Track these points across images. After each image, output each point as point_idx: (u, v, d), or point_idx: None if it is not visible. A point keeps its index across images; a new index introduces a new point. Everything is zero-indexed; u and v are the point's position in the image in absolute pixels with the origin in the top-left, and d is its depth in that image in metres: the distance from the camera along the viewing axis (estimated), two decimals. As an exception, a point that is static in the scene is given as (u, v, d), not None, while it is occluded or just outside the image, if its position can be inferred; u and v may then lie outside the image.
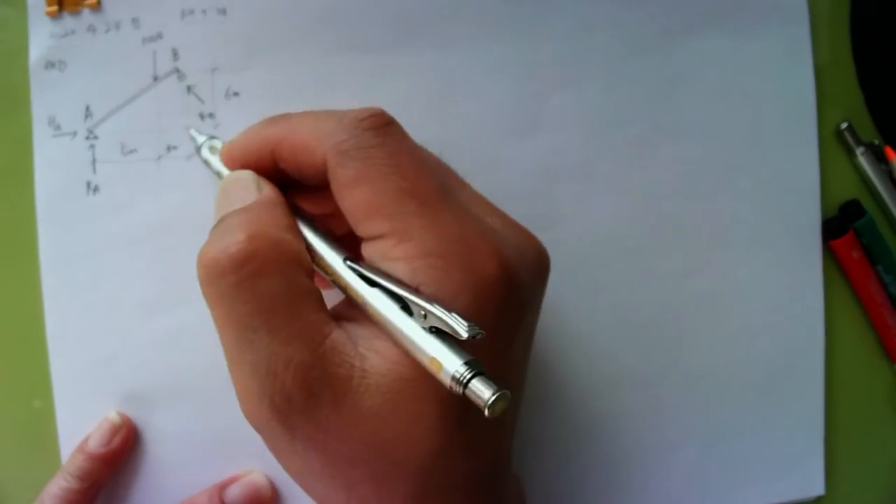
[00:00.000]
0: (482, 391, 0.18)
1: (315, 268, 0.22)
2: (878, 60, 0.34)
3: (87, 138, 0.30)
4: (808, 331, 0.34)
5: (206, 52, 0.30)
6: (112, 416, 0.30)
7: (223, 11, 0.30)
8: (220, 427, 0.30)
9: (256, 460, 0.31)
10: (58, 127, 0.30)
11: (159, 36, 0.30)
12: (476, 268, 0.20)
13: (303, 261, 0.21)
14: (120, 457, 0.30)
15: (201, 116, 0.30)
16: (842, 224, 0.34)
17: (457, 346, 0.19)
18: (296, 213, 0.23)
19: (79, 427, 0.30)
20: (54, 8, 0.30)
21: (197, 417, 0.30)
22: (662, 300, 0.33)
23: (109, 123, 0.30)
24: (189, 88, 0.30)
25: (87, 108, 0.30)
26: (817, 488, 0.34)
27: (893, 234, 0.35)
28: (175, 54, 0.30)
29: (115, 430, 0.29)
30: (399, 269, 0.20)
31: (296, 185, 0.24)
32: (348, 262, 0.21)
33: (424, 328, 0.19)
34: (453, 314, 0.19)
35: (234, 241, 0.20)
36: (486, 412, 0.18)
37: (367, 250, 0.22)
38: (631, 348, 0.33)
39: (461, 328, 0.19)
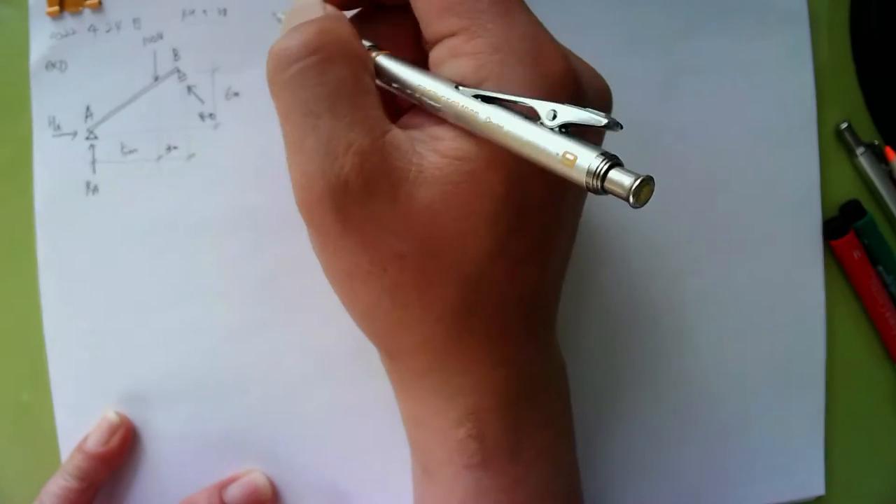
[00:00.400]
0: (622, 179, 0.17)
1: (421, 99, 0.22)
2: (878, 60, 0.34)
3: (87, 138, 0.30)
4: (809, 331, 0.34)
5: (206, 52, 0.30)
6: (110, 415, 0.30)
7: (224, 12, 0.30)
8: (220, 427, 0.30)
9: (256, 460, 0.31)
10: (58, 127, 0.30)
11: (160, 36, 0.30)
12: (544, 67, 0.21)
13: (367, 63, 0.22)
14: (118, 456, 0.30)
15: (202, 117, 0.30)
16: (842, 224, 0.34)
17: (591, 144, 0.18)
18: (391, 57, 0.23)
19: (78, 426, 0.30)
20: (55, 8, 0.30)
21: (196, 417, 0.30)
22: (662, 300, 0.33)
23: (109, 123, 0.30)
24: (189, 89, 0.30)
25: (88, 109, 0.30)
26: (817, 488, 0.34)
27: (894, 234, 0.35)
28: (176, 54, 0.30)
29: (113, 429, 0.29)
30: (464, 66, 0.21)
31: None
32: (461, 89, 0.21)
33: (553, 129, 0.19)
34: (587, 108, 0.19)
35: (306, 32, 0.21)
36: (631, 200, 0.17)
37: (435, 52, 0.22)
38: (630, 348, 0.33)
39: (599, 116, 0.18)
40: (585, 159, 0.18)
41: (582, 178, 0.18)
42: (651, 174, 0.18)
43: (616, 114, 0.32)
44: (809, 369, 0.34)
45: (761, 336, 0.33)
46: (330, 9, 0.23)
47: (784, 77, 0.34)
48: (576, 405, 0.32)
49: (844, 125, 0.34)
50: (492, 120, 0.20)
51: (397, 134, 0.21)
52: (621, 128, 0.19)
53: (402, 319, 0.23)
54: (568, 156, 0.18)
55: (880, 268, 0.35)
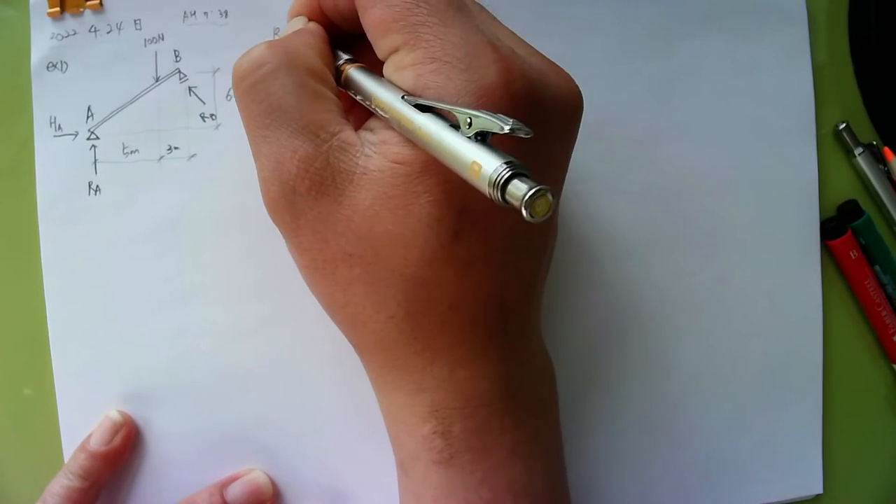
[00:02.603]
0: (517, 189, 0.17)
1: (375, 108, 0.23)
2: (877, 61, 0.34)
3: (89, 139, 0.30)
4: (807, 330, 0.34)
5: (207, 53, 0.30)
6: (113, 414, 0.30)
7: (225, 13, 0.30)
8: (221, 426, 0.31)
9: (257, 459, 0.31)
10: (59, 127, 0.30)
11: (161, 37, 0.30)
12: (476, 73, 0.21)
13: (316, 69, 0.23)
14: (121, 455, 0.30)
15: (202, 117, 0.31)
16: (840, 224, 0.34)
17: (501, 153, 0.18)
18: (363, 69, 0.24)
19: (81, 425, 0.30)
20: (56, 9, 0.30)
21: (198, 416, 0.31)
22: (661, 299, 0.33)
23: (111, 124, 0.30)
24: (190, 89, 0.30)
25: (89, 109, 0.30)
26: (815, 487, 0.34)
27: (891, 234, 0.35)
28: (177, 55, 0.30)
29: (116, 428, 0.30)
30: (407, 77, 0.22)
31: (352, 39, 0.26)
32: (405, 98, 0.22)
33: (469, 136, 0.19)
34: (499, 115, 0.18)
35: (255, 49, 0.23)
36: (525, 214, 0.17)
37: (385, 69, 0.23)
38: (629, 347, 0.33)
39: (504, 123, 0.18)
40: (488, 168, 0.17)
41: (486, 188, 0.17)
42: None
43: (616, 113, 0.32)
44: (807, 368, 0.34)
45: (759, 335, 0.34)
46: (311, 25, 0.25)
47: (783, 77, 0.34)
48: (572, 404, 0.32)
49: (843, 125, 0.34)
50: (421, 129, 0.20)
51: (348, 136, 0.22)
52: (529, 133, 0.18)
53: (357, 315, 0.24)
54: (475, 165, 0.18)
55: (877, 268, 0.35)
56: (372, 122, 0.23)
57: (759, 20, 0.33)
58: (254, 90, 0.23)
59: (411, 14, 0.22)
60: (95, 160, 0.30)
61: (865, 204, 0.35)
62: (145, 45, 0.30)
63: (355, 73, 0.24)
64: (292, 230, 0.23)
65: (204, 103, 0.31)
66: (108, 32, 0.30)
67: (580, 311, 0.32)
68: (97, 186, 0.30)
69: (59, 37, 0.30)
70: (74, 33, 0.30)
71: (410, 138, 0.21)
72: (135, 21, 0.30)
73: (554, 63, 0.24)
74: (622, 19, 0.32)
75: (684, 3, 0.33)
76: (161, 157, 0.30)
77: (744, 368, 0.33)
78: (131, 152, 0.30)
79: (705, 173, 0.33)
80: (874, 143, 0.35)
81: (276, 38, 0.24)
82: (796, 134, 0.34)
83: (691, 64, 0.33)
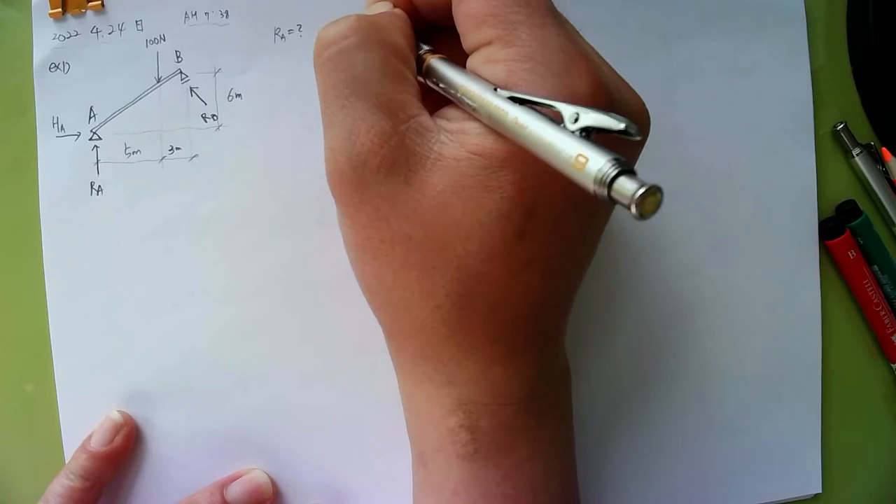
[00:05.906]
0: (627, 186, 0.16)
1: (461, 97, 0.23)
2: (875, 62, 0.34)
3: (91, 139, 0.30)
4: (805, 330, 0.34)
5: (208, 54, 0.31)
6: (114, 414, 0.30)
7: (226, 14, 0.31)
8: (222, 425, 0.31)
9: (258, 459, 0.31)
10: (61, 128, 0.30)
11: (162, 38, 0.30)
12: (571, 79, 0.21)
13: (401, 50, 0.23)
14: (122, 455, 0.30)
15: (204, 118, 0.31)
16: (838, 224, 0.34)
17: (607, 150, 0.18)
18: (446, 60, 0.24)
19: (82, 425, 0.30)
20: (58, 10, 0.30)
21: (199, 416, 0.31)
22: (660, 300, 0.33)
23: (113, 124, 0.30)
24: (192, 90, 0.31)
25: (91, 110, 0.30)
26: (814, 486, 0.34)
27: (890, 234, 0.35)
28: (178, 56, 0.30)
29: (116, 428, 0.30)
30: (498, 71, 0.21)
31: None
32: (498, 91, 0.21)
33: (573, 131, 0.19)
34: (612, 113, 0.19)
35: (346, 20, 0.23)
36: (634, 210, 0.16)
37: (472, 60, 0.23)
38: (629, 348, 0.33)
39: (619, 121, 0.18)
40: (595, 163, 0.17)
41: (590, 184, 0.17)
42: (650, 177, 0.17)
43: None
44: (806, 368, 0.34)
45: (758, 335, 0.34)
46: (397, 10, 0.25)
47: (781, 78, 0.34)
48: (574, 404, 0.32)
49: (841, 126, 0.34)
50: (518, 120, 0.20)
51: (424, 121, 0.22)
52: (639, 135, 0.18)
53: (402, 300, 0.23)
54: (580, 158, 0.18)
55: (875, 267, 0.35)
56: (449, 112, 0.23)
57: (758, 21, 0.34)
58: (337, 59, 0.22)
59: (511, 11, 0.22)
60: (97, 161, 0.30)
61: (864, 204, 0.35)
62: (147, 46, 0.30)
63: (438, 63, 0.24)
64: (354, 205, 0.23)
65: (205, 104, 0.31)
66: (110, 33, 0.30)
67: (577, 311, 0.32)
68: (99, 187, 0.30)
69: (61, 37, 0.30)
70: (76, 34, 0.30)
71: (499, 129, 0.21)
72: (136, 22, 0.30)
73: (629, 85, 0.24)
74: (622, 19, 0.33)
75: (683, 4, 0.33)
76: (163, 158, 0.31)
77: (742, 368, 0.33)
78: (133, 153, 0.30)
79: (704, 173, 0.33)
80: (872, 143, 0.35)
81: (364, 14, 0.24)
82: (795, 134, 0.34)
83: (690, 65, 0.33)
